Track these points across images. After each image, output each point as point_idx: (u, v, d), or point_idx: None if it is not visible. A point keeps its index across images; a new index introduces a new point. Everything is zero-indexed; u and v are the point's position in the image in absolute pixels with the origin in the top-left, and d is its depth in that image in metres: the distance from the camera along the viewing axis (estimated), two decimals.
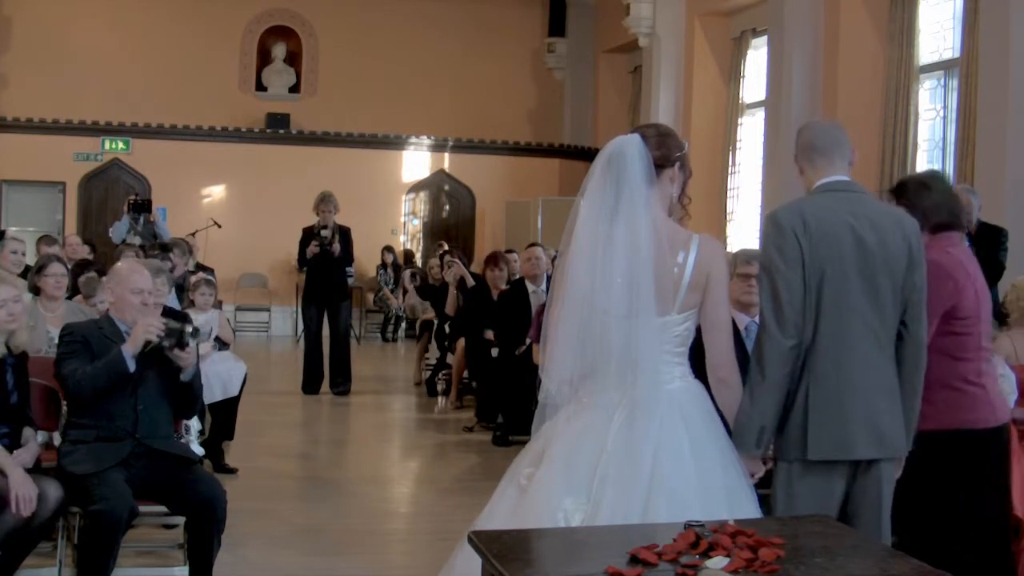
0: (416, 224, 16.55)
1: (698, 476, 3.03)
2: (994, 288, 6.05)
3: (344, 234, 10.26)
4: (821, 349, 3.24)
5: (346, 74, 16.39)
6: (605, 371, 3.13)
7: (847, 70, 10.17)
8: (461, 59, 16.69)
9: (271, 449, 7.93)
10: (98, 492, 4.14)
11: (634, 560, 2.44)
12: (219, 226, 14.65)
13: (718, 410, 3.22)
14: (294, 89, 16.56)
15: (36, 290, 5.94)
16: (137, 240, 10.79)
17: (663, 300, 3.10)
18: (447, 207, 16.59)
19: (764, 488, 3.33)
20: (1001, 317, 5.25)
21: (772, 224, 3.31)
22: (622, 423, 3.08)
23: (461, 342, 9.60)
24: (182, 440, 5.16)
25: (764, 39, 11.81)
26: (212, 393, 6.66)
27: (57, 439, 4.80)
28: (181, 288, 7.80)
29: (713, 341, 3.18)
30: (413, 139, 16.22)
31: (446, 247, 12.87)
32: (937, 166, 9.56)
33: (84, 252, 9.25)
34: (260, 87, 16.51)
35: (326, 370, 10.34)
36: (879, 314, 3.27)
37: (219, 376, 6.85)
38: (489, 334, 8.91)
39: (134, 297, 4.56)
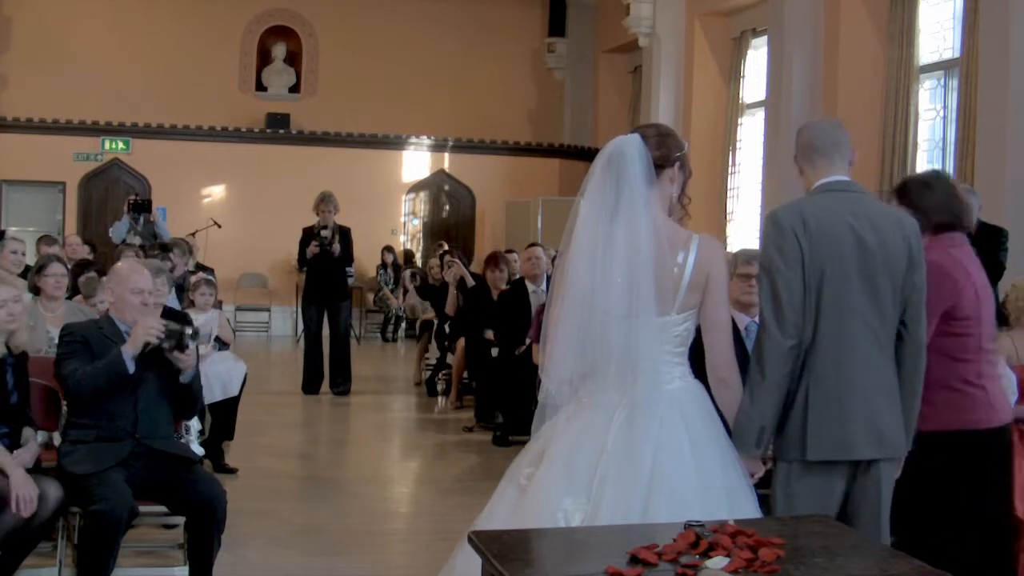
0: (416, 224, 16.56)
1: (698, 476, 3.03)
2: (994, 288, 6.04)
3: (344, 234, 10.26)
4: (821, 349, 3.24)
5: (346, 74, 16.39)
6: (605, 371, 3.13)
7: (847, 70, 10.17)
8: (461, 59, 16.69)
9: (271, 449, 7.93)
10: (98, 492, 4.14)
11: (634, 560, 2.44)
12: (219, 226, 14.65)
13: (718, 410, 3.22)
14: (294, 89, 16.56)
15: (36, 290, 5.94)
16: (137, 240, 10.79)
17: (663, 300, 3.10)
18: (447, 207, 16.59)
19: (764, 488, 3.33)
20: (1002, 317, 5.24)
21: (772, 224, 3.31)
22: (622, 423, 3.08)
23: (461, 342, 9.60)
24: (182, 440, 5.16)
25: (764, 39, 11.81)
26: (212, 393, 6.66)
27: (57, 439, 4.81)
28: (181, 288, 7.80)
29: (713, 341, 3.18)
30: (413, 139, 16.22)
31: (446, 247, 12.88)
32: (937, 166, 9.55)
33: (84, 252, 9.26)
34: (260, 87, 16.51)
35: (326, 370, 10.34)
36: (879, 314, 3.27)
37: (219, 376, 6.85)
38: (489, 334, 8.91)
39: (134, 297, 4.56)
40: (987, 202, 7.18)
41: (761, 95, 11.81)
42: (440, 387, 10.56)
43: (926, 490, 3.61)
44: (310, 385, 10.31)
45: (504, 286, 9.04)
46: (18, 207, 15.13)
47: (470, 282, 9.93)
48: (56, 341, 4.84)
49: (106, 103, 15.39)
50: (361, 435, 9.26)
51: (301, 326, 11.51)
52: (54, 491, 4.20)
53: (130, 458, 4.37)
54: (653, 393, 3.09)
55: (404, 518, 6.51)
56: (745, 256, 4.81)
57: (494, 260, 9.39)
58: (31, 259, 7.81)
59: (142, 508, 4.28)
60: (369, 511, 6.42)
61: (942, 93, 9.77)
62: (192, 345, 4.45)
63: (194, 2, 16.07)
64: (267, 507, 6.18)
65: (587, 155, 15.42)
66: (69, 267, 6.52)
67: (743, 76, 12.71)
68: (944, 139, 9.68)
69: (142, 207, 11.40)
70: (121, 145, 15.41)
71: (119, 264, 5.07)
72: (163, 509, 4.50)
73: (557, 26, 16.98)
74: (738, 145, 12.78)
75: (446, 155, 16.39)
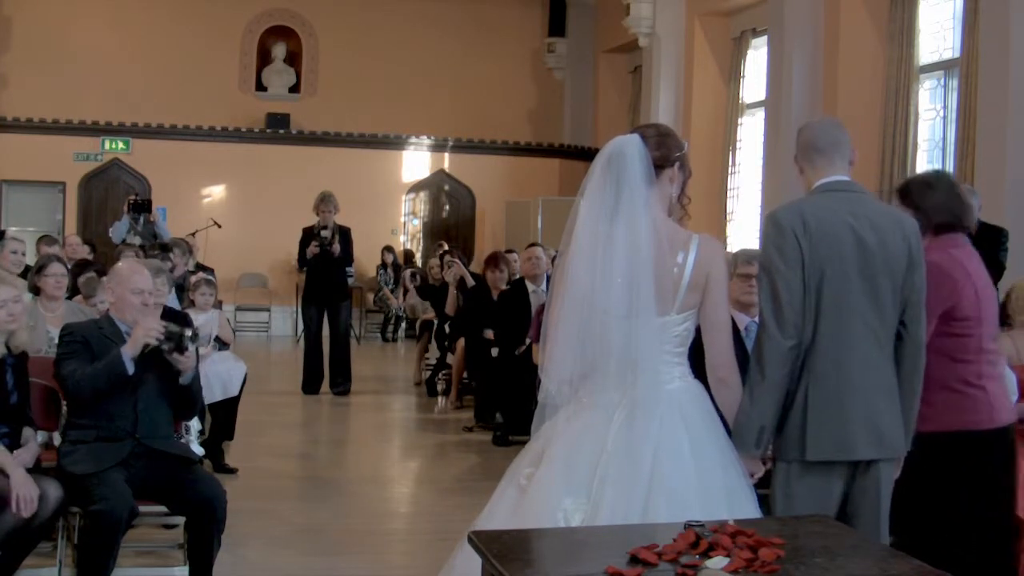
0: (416, 224, 16.56)
1: (698, 476, 3.03)
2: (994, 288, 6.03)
3: (344, 234, 10.26)
4: (821, 349, 3.24)
5: (346, 74, 16.39)
6: (605, 371, 3.13)
7: (847, 70, 10.17)
8: (461, 59, 16.69)
9: (271, 449, 7.93)
10: (98, 492, 4.14)
11: (634, 560, 2.44)
12: (219, 226, 14.65)
13: (718, 410, 3.22)
14: (294, 89, 16.56)
15: (36, 290, 5.94)
16: (137, 240, 10.79)
17: (663, 300, 3.10)
18: (447, 207, 16.59)
19: (764, 488, 3.33)
20: (1002, 317, 5.23)
21: (772, 224, 3.31)
22: (622, 423, 3.08)
23: (461, 342, 9.60)
24: (182, 440, 5.16)
25: (764, 39, 11.81)
26: (212, 393, 6.67)
27: (57, 439, 4.81)
28: (181, 288, 7.80)
29: (713, 341, 3.18)
30: (413, 139, 16.22)
31: (446, 247, 12.88)
32: (937, 166, 9.55)
33: (84, 252, 9.26)
34: (260, 87, 16.50)
35: (326, 370, 10.34)
36: (879, 314, 3.27)
37: (219, 376, 6.85)
38: (489, 334, 8.92)
39: (134, 297, 4.56)
40: (987, 202, 7.17)
41: (761, 95, 11.81)
42: (440, 387, 10.56)
43: (926, 490, 3.61)
44: (310, 385, 10.31)
45: (504, 286, 9.04)
46: (18, 207, 15.14)
47: (470, 282, 9.93)
48: (56, 341, 4.84)
49: (106, 103, 15.39)
50: (361, 435, 9.26)
51: (301, 326, 11.50)
52: (54, 491, 4.20)
53: (130, 458, 4.37)
54: (653, 393, 3.09)
55: (404, 518, 6.51)
56: (745, 256, 4.81)
57: (494, 260, 9.39)
58: (31, 259, 7.81)
59: (142, 508, 4.28)
60: (369, 511, 6.42)
61: (942, 93, 9.77)
62: (192, 347, 4.45)
63: (194, 2, 16.06)
64: (267, 507, 6.18)
65: (587, 155, 15.41)
66: (69, 267, 6.51)
67: (743, 76, 12.71)
68: (944, 139, 9.68)
69: (142, 207, 11.40)
70: (121, 145, 15.41)
71: (119, 264, 5.07)
72: (163, 509, 4.50)
73: (557, 26, 16.98)
74: (738, 145, 12.77)
75: (446, 155, 16.39)
